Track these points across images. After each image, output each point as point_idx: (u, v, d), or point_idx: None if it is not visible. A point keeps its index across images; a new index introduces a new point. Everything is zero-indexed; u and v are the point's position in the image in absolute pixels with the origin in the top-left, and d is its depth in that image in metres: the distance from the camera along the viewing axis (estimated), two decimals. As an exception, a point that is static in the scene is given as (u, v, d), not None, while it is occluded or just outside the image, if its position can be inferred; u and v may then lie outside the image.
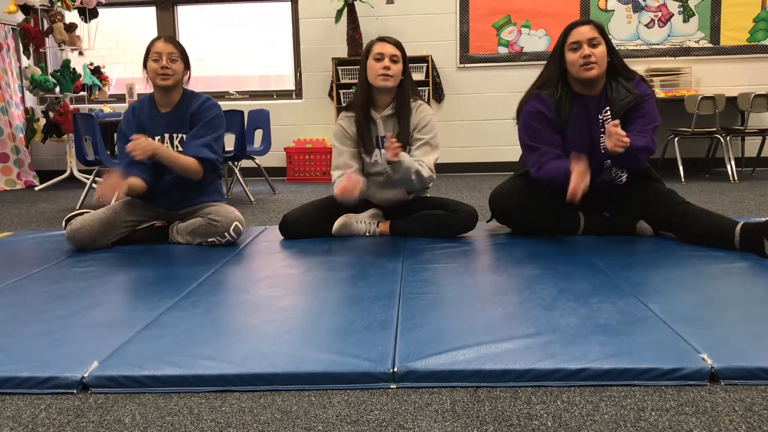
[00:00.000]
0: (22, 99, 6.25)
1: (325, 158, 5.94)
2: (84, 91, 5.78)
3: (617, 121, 2.46)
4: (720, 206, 3.83)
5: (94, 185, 4.83)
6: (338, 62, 5.93)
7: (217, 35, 6.51)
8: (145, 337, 1.71)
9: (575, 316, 1.78)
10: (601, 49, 2.62)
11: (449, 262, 2.44)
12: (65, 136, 5.72)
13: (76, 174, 5.81)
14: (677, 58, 5.93)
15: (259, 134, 5.17)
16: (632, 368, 1.43)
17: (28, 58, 6.10)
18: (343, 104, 5.20)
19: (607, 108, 2.67)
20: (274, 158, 6.05)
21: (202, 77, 6.54)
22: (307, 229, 2.95)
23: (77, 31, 5.85)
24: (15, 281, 2.32)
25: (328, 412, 1.33)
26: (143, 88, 2.94)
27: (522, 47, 6.03)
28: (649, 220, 2.77)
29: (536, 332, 1.66)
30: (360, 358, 1.51)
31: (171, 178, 2.86)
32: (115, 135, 3.63)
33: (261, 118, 5.09)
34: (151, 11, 6.45)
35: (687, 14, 5.89)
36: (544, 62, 2.83)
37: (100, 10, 5.97)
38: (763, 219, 2.48)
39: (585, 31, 2.63)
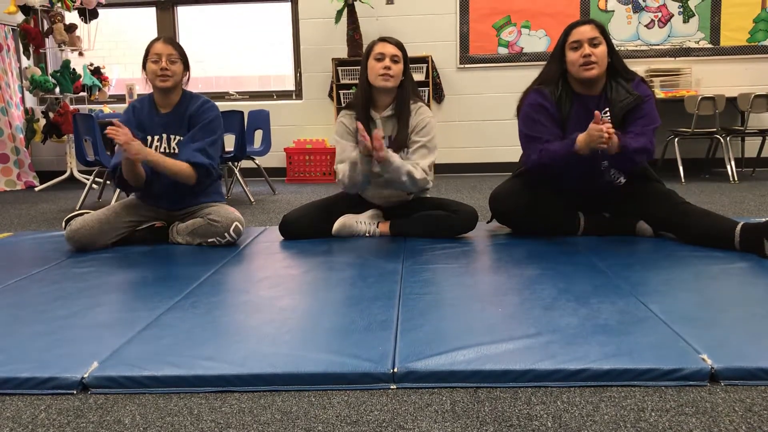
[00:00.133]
0: (22, 99, 6.26)
1: (325, 159, 5.94)
2: (84, 91, 5.78)
3: (601, 124, 2.44)
4: (720, 207, 3.83)
5: (94, 186, 4.84)
6: (338, 63, 5.93)
7: (217, 36, 6.51)
8: (145, 337, 1.71)
9: (575, 316, 1.78)
10: (602, 49, 2.62)
11: (449, 263, 2.44)
12: (65, 136, 5.73)
13: (76, 174, 5.81)
14: (677, 59, 5.93)
15: (259, 135, 5.17)
16: (632, 369, 1.43)
17: (28, 58, 6.10)
18: (343, 105, 5.20)
19: (607, 109, 2.67)
20: (274, 159, 6.05)
21: (202, 78, 6.54)
22: (307, 229, 2.95)
23: (77, 32, 5.86)
24: (15, 282, 2.32)
25: (328, 413, 1.33)
26: (143, 88, 2.95)
27: (522, 48, 6.03)
28: (649, 220, 2.77)
29: (536, 333, 1.66)
30: (360, 359, 1.51)
31: (170, 179, 2.86)
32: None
33: (261, 119, 5.09)
34: (151, 12, 6.45)
35: (687, 15, 5.89)
36: (544, 63, 2.83)
37: (100, 11, 5.98)
38: (763, 219, 2.48)
39: (586, 31, 2.63)
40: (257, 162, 5.05)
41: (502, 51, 6.05)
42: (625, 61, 2.75)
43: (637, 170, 2.76)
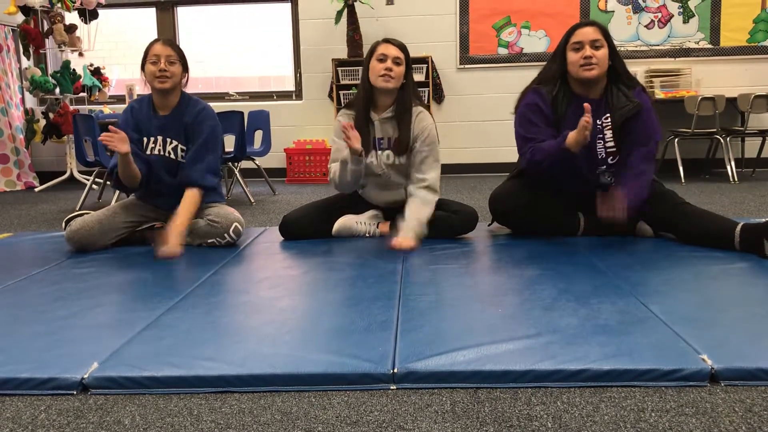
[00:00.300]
0: (22, 100, 6.26)
1: (325, 159, 5.94)
2: (84, 92, 5.79)
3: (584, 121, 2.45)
4: (720, 207, 3.83)
5: (94, 186, 4.84)
6: (338, 63, 5.93)
7: (217, 36, 6.51)
8: (145, 338, 1.71)
9: (575, 316, 1.78)
10: (603, 52, 2.62)
11: (449, 263, 2.44)
12: (65, 137, 5.73)
13: (76, 175, 5.81)
14: (677, 59, 5.93)
15: (259, 135, 5.17)
16: (632, 369, 1.43)
17: (28, 59, 6.11)
18: (343, 105, 5.21)
19: (608, 115, 2.67)
20: (274, 159, 6.05)
21: (202, 78, 6.54)
22: (307, 230, 2.95)
23: (77, 33, 5.86)
24: (15, 282, 2.32)
25: (327, 413, 1.33)
26: (143, 89, 2.95)
27: (522, 48, 6.03)
28: (649, 220, 2.77)
29: (536, 333, 1.66)
30: (360, 359, 1.51)
31: (170, 180, 2.87)
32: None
33: (261, 119, 5.09)
34: (151, 12, 6.45)
35: (687, 15, 5.89)
36: (544, 63, 2.83)
37: (100, 12, 5.98)
38: (763, 220, 2.48)
39: (588, 32, 2.63)
40: (257, 162, 5.05)
41: (502, 51, 6.05)
42: (625, 61, 2.75)
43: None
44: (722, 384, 1.41)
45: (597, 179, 2.74)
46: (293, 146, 6.07)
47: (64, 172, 5.90)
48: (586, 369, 1.44)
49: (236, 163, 4.86)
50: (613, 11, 5.94)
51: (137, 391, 1.45)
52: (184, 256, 2.67)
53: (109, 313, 1.94)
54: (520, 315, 1.82)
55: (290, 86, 6.42)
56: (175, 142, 2.86)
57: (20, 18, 5.75)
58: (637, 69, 5.73)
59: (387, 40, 2.83)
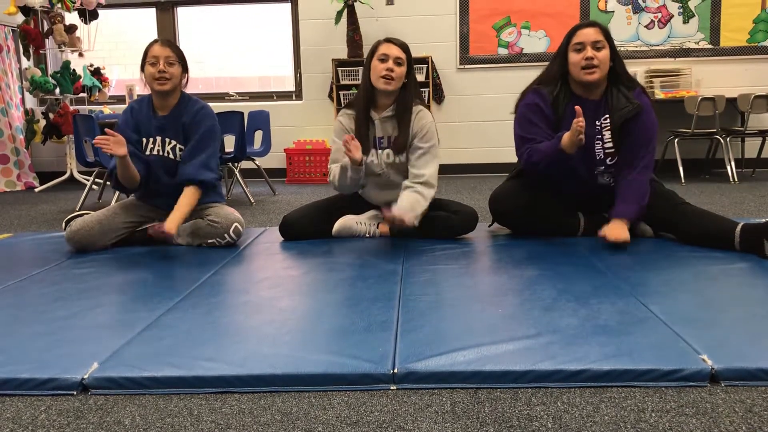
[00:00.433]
0: (22, 100, 6.26)
1: (325, 159, 5.94)
2: (84, 92, 5.79)
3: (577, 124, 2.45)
4: (720, 207, 3.83)
5: (94, 186, 4.84)
6: (338, 63, 5.93)
7: (217, 36, 6.51)
8: (145, 338, 1.71)
9: (575, 317, 1.78)
10: (605, 53, 2.62)
11: (449, 264, 2.44)
12: (65, 137, 5.73)
13: (76, 175, 5.81)
14: (677, 59, 5.93)
15: (259, 135, 5.17)
16: (632, 369, 1.43)
17: (28, 59, 6.11)
18: (343, 105, 5.21)
19: (607, 116, 2.67)
20: (274, 159, 6.05)
21: (202, 78, 6.55)
22: (307, 230, 2.95)
23: (77, 33, 5.86)
24: (15, 282, 2.32)
25: (328, 414, 1.33)
26: (143, 89, 2.95)
27: (522, 48, 6.03)
28: (649, 220, 2.77)
29: (536, 333, 1.66)
30: (360, 360, 1.51)
31: (169, 180, 2.87)
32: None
33: (261, 120, 5.09)
34: (151, 12, 6.46)
35: (687, 15, 5.89)
36: (545, 63, 2.84)
37: (100, 12, 5.98)
38: (763, 220, 2.48)
39: (590, 34, 2.63)
40: (257, 163, 5.05)
41: (502, 52, 6.05)
42: (625, 61, 2.75)
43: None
44: (722, 384, 1.41)
45: (596, 180, 2.74)
46: (293, 146, 6.07)
47: (64, 173, 5.90)
48: (586, 369, 1.44)
49: (236, 164, 4.86)
50: (613, 11, 5.94)
51: (137, 392, 1.45)
52: (185, 257, 2.68)
53: (109, 313, 1.94)
54: (520, 315, 1.82)
55: (290, 86, 6.43)
56: (174, 142, 2.86)
57: (20, 18, 5.76)
58: (637, 69, 5.73)
59: (389, 40, 2.82)
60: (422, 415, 1.32)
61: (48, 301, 2.07)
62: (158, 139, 2.86)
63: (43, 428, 1.30)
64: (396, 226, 2.66)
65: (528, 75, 3.07)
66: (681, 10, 5.89)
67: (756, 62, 5.90)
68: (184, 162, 2.84)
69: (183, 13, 6.50)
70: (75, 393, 1.45)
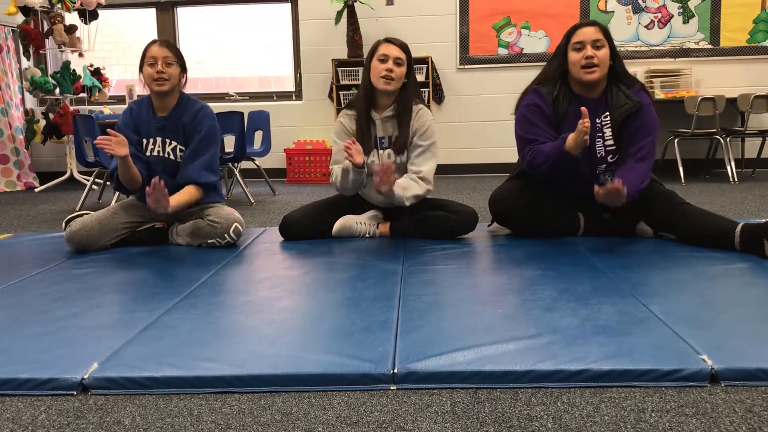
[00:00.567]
0: (22, 100, 6.26)
1: (325, 160, 5.94)
2: (84, 92, 5.79)
3: (582, 125, 2.43)
4: (720, 207, 3.83)
5: (94, 187, 4.84)
6: (338, 63, 5.93)
7: (217, 37, 6.51)
8: (145, 338, 1.71)
9: (575, 317, 1.78)
10: (604, 52, 2.62)
11: (449, 264, 2.44)
12: (65, 137, 5.73)
13: (76, 175, 5.81)
14: (677, 60, 5.93)
15: (259, 135, 5.17)
16: (632, 369, 1.43)
17: (28, 59, 6.11)
18: (343, 106, 5.22)
19: (607, 113, 2.67)
20: (274, 159, 6.05)
21: (202, 78, 6.55)
22: (307, 230, 2.95)
23: (77, 33, 5.86)
24: (15, 283, 2.32)
25: (328, 414, 1.33)
26: (143, 89, 2.94)
27: (522, 48, 6.03)
28: (649, 220, 2.77)
29: (536, 333, 1.66)
30: (360, 360, 1.51)
31: (170, 181, 2.87)
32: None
33: (261, 120, 5.09)
34: (151, 13, 6.46)
35: (687, 15, 5.89)
36: (544, 63, 2.84)
37: (100, 12, 5.98)
38: (763, 220, 2.48)
39: (590, 33, 2.63)
40: (257, 163, 5.05)
41: (502, 52, 6.05)
42: (625, 61, 2.75)
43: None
44: (722, 384, 1.41)
45: (597, 179, 2.73)
46: (293, 147, 6.07)
47: (64, 173, 5.90)
48: (586, 369, 1.44)
49: (236, 164, 4.86)
50: (613, 11, 5.94)
51: (137, 392, 1.45)
52: (185, 257, 2.68)
53: (109, 313, 1.94)
54: (520, 315, 1.82)
55: (290, 86, 6.43)
56: (174, 143, 2.86)
57: (20, 18, 5.76)
58: (637, 69, 5.73)
59: (388, 40, 2.82)
60: (422, 415, 1.32)
61: (48, 301, 2.07)
62: (158, 139, 2.86)
63: (43, 428, 1.30)
64: (383, 181, 2.57)
65: (528, 75, 3.07)
66: (681, 10, 5.89)
67: (756, 62, 5.90)
68: (185, 164, 2.84)
69: (183, 13, 6.50)
70: (75, 393, 1.45)
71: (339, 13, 5.79)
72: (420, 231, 2.89)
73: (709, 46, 5.90)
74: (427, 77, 5.87)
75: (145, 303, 2.02)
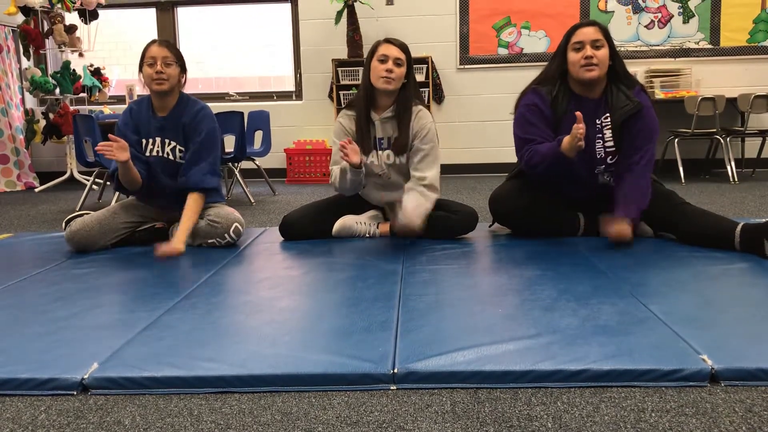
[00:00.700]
0: (22, 100, 6.26)
1: (325, 159, 5.94)
2: (84, 92, 5.79)
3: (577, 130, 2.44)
4: (720, 207, 3.83)
5: (94, 187, 4.84)
6: (338, 63, 5.93)
7: (217, 36, 6.51)
8: (145, 338, 1.71)
9: (575, 317, 1.78)
10: (604, 52, 2.62)
11: (449, 264, 2.44)
12: (65, 137, 5.73)
13: (76, 175, 5.81)
14: (677, 59, 5.93)
15: (259, 135, 5.17)
16: (632, 369, 1.43)
17: (28, 59, 6.11)
18: (343, 106, 5.22)
19: (607, 114, 2.67)
20: (274, 159, 6.05)
21: (202, 78, 6.55)
22: (307, 230, 2.95)
23: (77, 33, 5.86)
24: (15, 283, 2.32)
25: (328, 414, 1.33)
26: (143, 89, 2.94)
27: (522, 48, 6.03)
28: (649, 220, 2.77)
29: (536, 333, 1.66)
30: (360, 360, 1.51)
31: (169, 181, 2.87)
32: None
33: (261, 120, 5.09)
34: (151, 13, 6.46)
35: (687, 15, 5.89)
36: (545, 63, 2.84)
37: (100, 12, 5.98)
38: (764, 220, 2.48)
39: (589, 32, 2.63)
40: (257, 163, 5.05)
41: (502, 52, 6.05)
42: (625, 61, 2.75)
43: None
44: (722, 384, 1.41)
45: (596, 179, 2.74)
46: (293, 146, 6.07)
47: (64, 173, 5.90)
48: (586, 369, 1.44)
49: (236, 164, 4.86)
50: (613, 11, 5.94)
51: (137, 392, 1.45)
52: (184, 257, 2.67)
53: (109, 313, 1.94)
54: (520, 315, 1.82)
55: (290, 86, 6.43)
56: (173, 143, 2.86)
57: (20, 18, 5.76)
58: (637, 69, 5.73)
59: (388, 40, 2.82)
60: (422, 415, 1.32)
61: (48, 301, 2.07)
62: (158, 139, 2.86)
63: (43, 428, 1.30)
64: (405, 234, 2.65)
65: (528, 75, 3.07)
66: (681, 10, 5.89)
67: (756, 62, 5.90)
68: (187, 167, 2.84)
69: (183, 13, 6.50)
70: (75, 393, 1.45)
71: (339, 13, 5.79)
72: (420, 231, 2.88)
73: (709, 46, 5.90)
74: (427, 77, 5.87)
75: (145, 303, 2.02)
